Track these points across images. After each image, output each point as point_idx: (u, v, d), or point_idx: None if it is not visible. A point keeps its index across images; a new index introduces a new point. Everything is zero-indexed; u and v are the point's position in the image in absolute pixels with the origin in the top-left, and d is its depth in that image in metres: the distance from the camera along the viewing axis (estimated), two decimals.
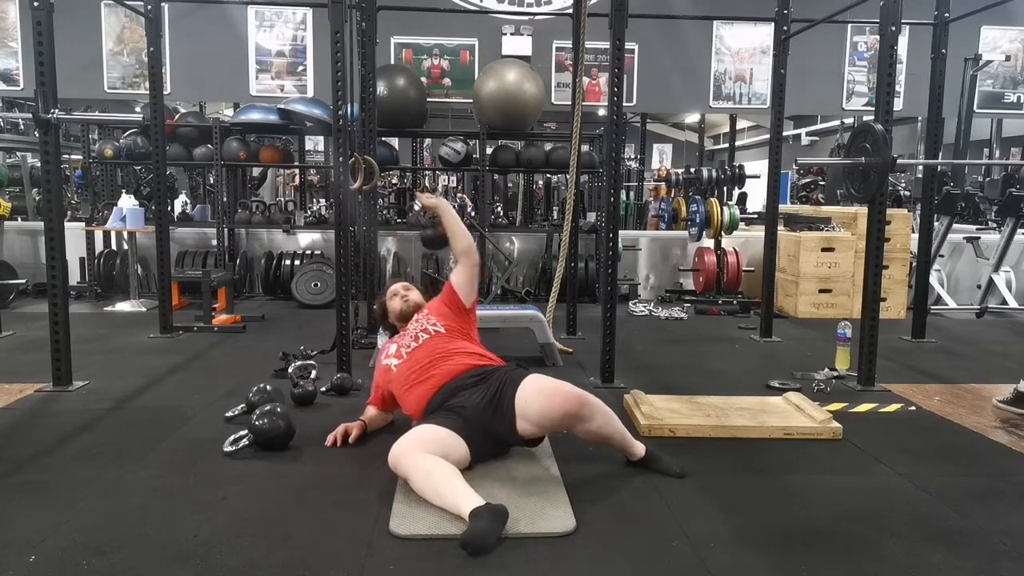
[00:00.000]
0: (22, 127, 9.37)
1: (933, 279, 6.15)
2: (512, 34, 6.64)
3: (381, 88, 5.81)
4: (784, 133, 5.14)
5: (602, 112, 8.27)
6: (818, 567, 1.90)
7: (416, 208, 3.05)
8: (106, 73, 6.56)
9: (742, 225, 6.58)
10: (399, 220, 7.25)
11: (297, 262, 6.35)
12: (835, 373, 3.83)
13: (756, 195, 7.46)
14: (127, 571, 1.81)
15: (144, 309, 5.66)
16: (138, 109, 8.21)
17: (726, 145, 12.64)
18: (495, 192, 8.63)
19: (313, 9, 6.48)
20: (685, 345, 4.90)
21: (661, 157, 16.86)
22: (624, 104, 3.83)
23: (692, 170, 7.55)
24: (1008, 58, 7.05)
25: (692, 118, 15.76)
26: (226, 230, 6.53)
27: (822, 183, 10.15)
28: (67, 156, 8.38)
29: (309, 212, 7.18)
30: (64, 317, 3.43)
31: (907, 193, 8.61)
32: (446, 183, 10.97)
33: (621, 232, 6.05)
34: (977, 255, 6.36)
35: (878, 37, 3.75)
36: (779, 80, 4.75)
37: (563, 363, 4.09)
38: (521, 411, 2.37)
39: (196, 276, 5.36)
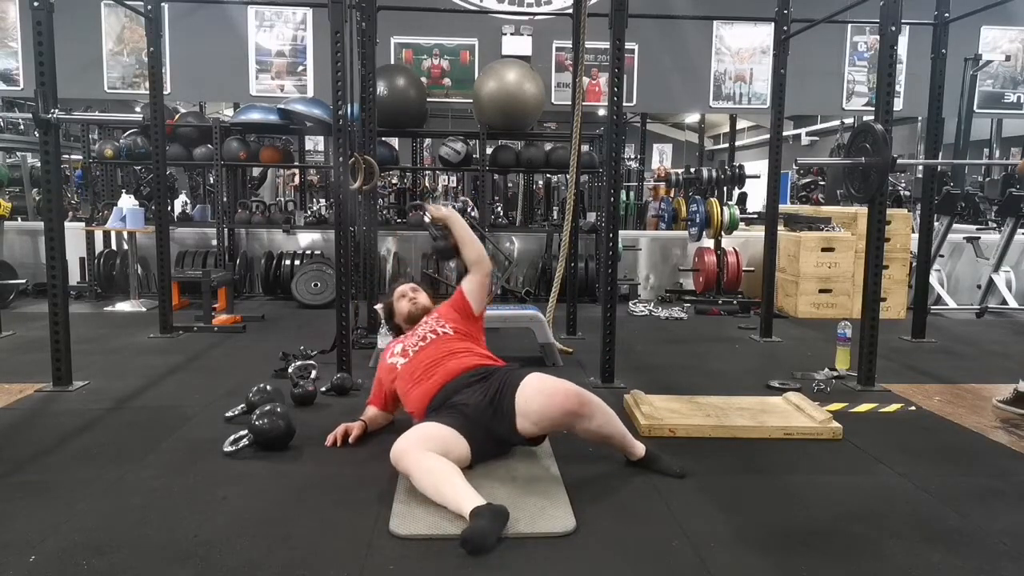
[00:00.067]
0: (22, 127, 9.38)
1: (933, 279, 6.15)
2: (512, 34, 6.64)
3: (381, 88, 5.81)
4: (784, 133, 5.14)
5: (602, 112, 8.27)
6: (818, 567, 1.90)
7: (426, 220, 3.07)
8: (106, 73, 6.56)
9: (742, 225, 6.58)
10: (399, 220, 7.26)
11: (297, 262, 6.35)
12: (835, 373, 3.83)
13: (756, 195, 7.46)
14: (127, 571, 1.82)
15: (144, 309, 5.66)
16: (138, 109, 8.21)
17: (726, 145, 12.64)
18: (495, 192, 8.64)
19: (313, 9, 6.48)
20: (685, 345, 4.90)
21: (661, 157, 16.87)
22: (624, 104, 3.83)
23: (692, 170, 7.55)
24: (1008, 58, 7.05)
25: (692, 118, 15.77)
26: (226, 230, 6.53)
27: (822, 183, 10.15)
28: (67, 156, 8.38)
29: (309, 212, 7.18)
30: (64, 317, 3.43)
31: (907, 193, 8.61)
32: (446, 183, 10.99)
33: (621, 232, 6.05)
34: (977, 255, 6.36)
35: (878, 37, 3.75)
36: (779, 80, 4.75)
37: (563, 363, 4.09)
38: (521, 409, 2.37)
39: (196, 276, 5.36)
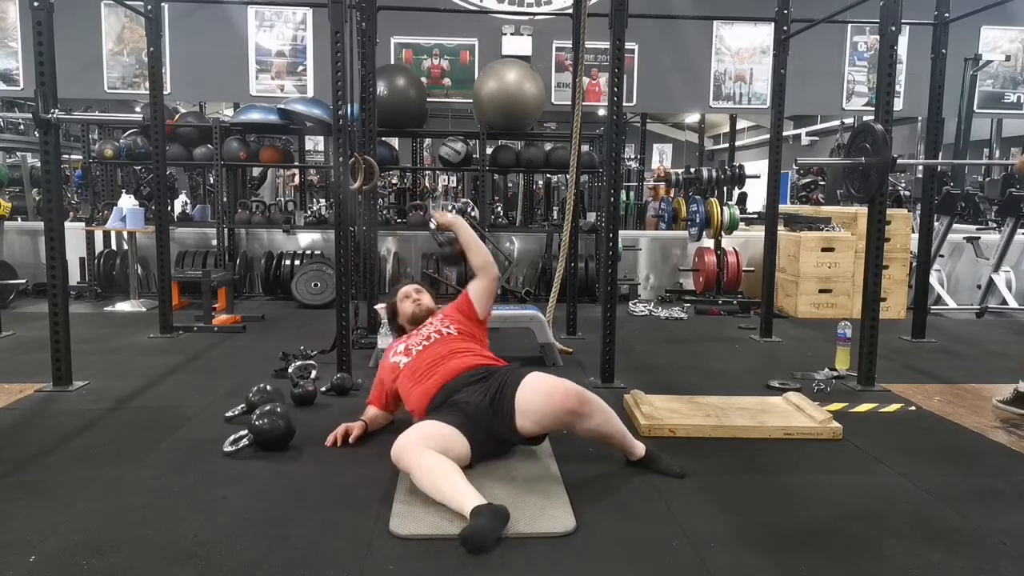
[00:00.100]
0: (22, 127, 9.38)
1: (933, 279, 6.15)
2: (512, 34, 6.64)
3: (381, 88, 5.81)
4: (784, 133, 5.14)
5: (602, 112, 8.27)
6: (818, 567, 1.90)
7: (432, 226, 3.09)
8: (106, 73, 6.56)
9: (742, 225, 6.58)
10: (399, 220, 7.26)
11: (297, 262, 6.35)
12: (835, 373, 3.83)
13: (756, 195, 7.46)
14: (127, 571, 1.82)
15: (144, 309, 5.66)
16: (138, 109, 8.21)
17: (726, 145, 12.64)
18: (495, 192, 8.64)
19: (313, 9, 6.48)
20: (685, 345, 4.90)
21: (661, 157, 16.87)
22: (624, 104, 3.83)
23: (692, 170, 7.55)
24: (1008, 58, 7.05)
25: (692, 118, 15.76)
26: (226, 230, 6.53)
27: (822, 183, 10.15)
28: (67, 156, 8.39)
29: (309, 212, 7.18)
30: (64, 317, 3.43)
31: (907, 193, 8.60)
32: (446, 183, 10.99)
33: (621, 232, 6.05)
34: (977, 255, 6.36)
35: (878, 37, 3.75)
36: (779, 80, 4.75)
37: (563, 363, 4.09)
38: (521, 408, 2.38)
39: (196, 276, 5.36)
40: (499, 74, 6.22)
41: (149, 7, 4.50)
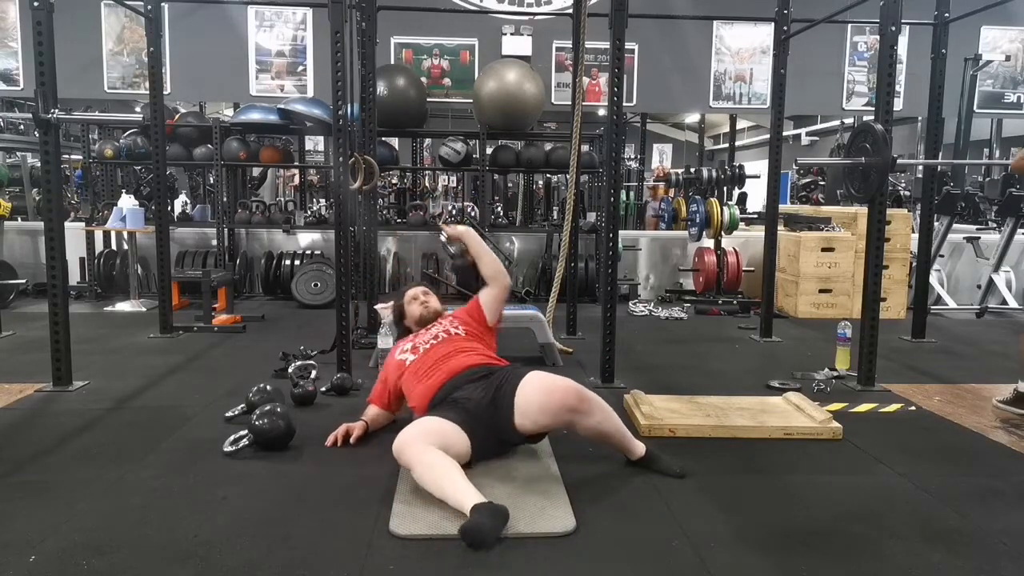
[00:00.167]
0: (22, 127, 9.38)
1: (933, 279, 6.15)
2: (512, 34, 6.64)
3: (381, 88, 5.81)
4: (784, 133, 5.14)
5: (602, 112, 8.27)
6: (818, 567, 1.90)
7: (442, 239, 3.11)
8: (106, 73, 6.56)
9: (742, 225, 6.58)
10: (399, 220, 7.26)
11: (297, 262, 6.35)
12: (835, 373, 3.83)
13: (756, 195, 7.46)
14: (127, 571, 1.82)
15: (144, 309, 5.66)
16: (138, 109, 8.21)
17: (726, 145, 12.63)
18: (495, 192, 8.64)
19: (313, 9, 6.48)
20: (685, 345, 4.90)
21: (661, 157, 16.86)
22: (624, 104, 3.83)
23: (692, 170, 7.55)
24: (1008, 58, 7.05)
25: (692, 118, 15.76)
26: (226, 230, 6.53)
27: (822, 183, 10.15)
28: (67, 156, 8.38)
29: (309, 212, 7.18)
30: (64, 317, 3.43)
31: (907, 193, 8.60)
32: (446, 183, 10.99)
33: (621, 232, 6.05)
34: (977, 255, 6.36)
35: (878, 37, 3.75)
36: (779, 80, 4.75)
37: (563, 363, 4.09)
38: (521, 405, 2.39)
39: (196, 276, 5.36)
40: (499, 74, 6.22)
41: (149, 7, 4.50)
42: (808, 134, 14.82)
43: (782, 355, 4.51)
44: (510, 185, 9.24)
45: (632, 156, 11.77)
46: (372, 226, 4.94)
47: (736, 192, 7.50)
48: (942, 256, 6.51)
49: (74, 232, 6.06)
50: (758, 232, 5.99)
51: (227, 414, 3.01)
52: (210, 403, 3.24)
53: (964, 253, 6.69)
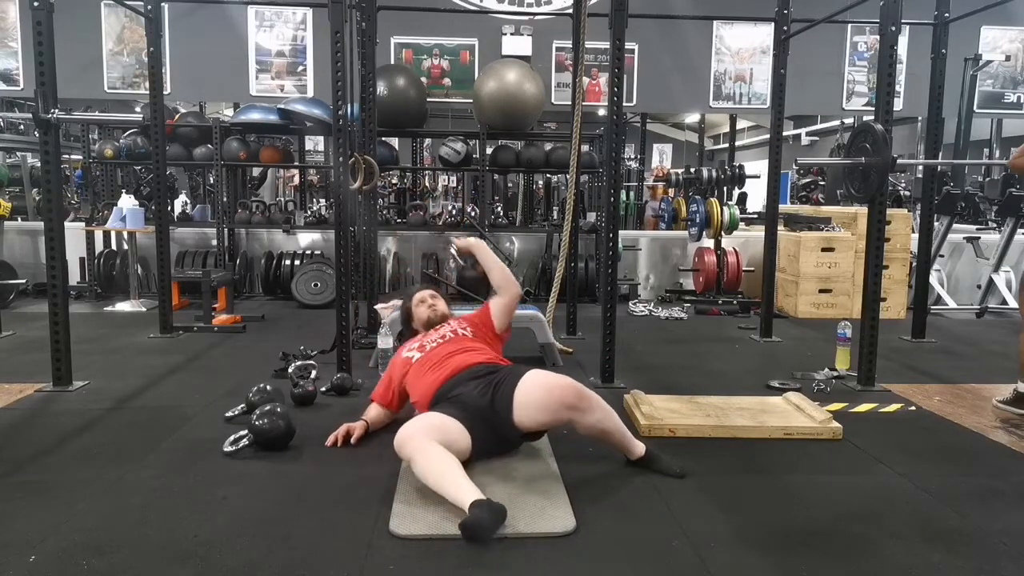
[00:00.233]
0: (22, 127, 9.38)
1: (933, 279, 6.15)
2: (512, 34, 6.64)
3: (381, 88, 5.81)
4: (784, 133, 5.14)
5: (602, 112, 8.27)
6: (818, 567, 1.90)
7: (452, 251, 3.15)
8: (106, 73, 6.56)
9: (742, 225, 6.58)
10: (399, 220, 7.26)
11: (297, 262, 6.35)
12: (835, 373, 3.83)
13: (756, 195, 7.46)
14: (127, 571, 1.82)
15: (144, 309, 5.66)
16: (138, 109, 8.21)
17: (726, 145, 12.63)
18: (495, 192, 8.64)
19: (313, 9, 6.48)
20: (685, 345, 4.90)
21: (661, 157, 16.87)
22: (624, 104, 3.83)
23: (692, 170, 7.55)
24: (1008, 58, 7.05)
25: (692, 118, 15.76)
26: (226, 230, 6.53)
27: (822, 183, 10.15)
28: (67, 156, 8.38)
29: (309, 212, 7.18)
30: (64, 317, 3.43)
31: (907, 193, 8.60)
32: (446, 183, 10.99)
33: (621, 232, 6.05)
34: (977, 255, 6.36)
35: (878, 37, 3.75)
36: (779, 80, 4.75)
37: (563, 363, 4.09)
38: (520, 402, 2.40)
39: (196, 276, 5.36)
40: (499, 74, 6.22)
41: (149, 7, 4.50)
42: (808, 134, 14.82)
43: (782, 355, 4.51)
44: (510, 185, 9.24)
45: (632, 156, 11.77)
46: (372, 226, 4.94)
47: (736, 192, 7.50)
48: (942, 256, 6.51)
49: (74, 232, 6.06)
50: (758, 232, 5.99)
51: (227, 414, 3.01)
52: (210, 403, 3.24)
53: (964, 253, 6.69)
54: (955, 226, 6.36)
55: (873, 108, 3.94)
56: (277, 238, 6.76)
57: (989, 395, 3.43)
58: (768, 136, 5.60)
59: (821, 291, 5.89)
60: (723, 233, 6.36)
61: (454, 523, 2.01)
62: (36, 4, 3.31)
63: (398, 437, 2.31)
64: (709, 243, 6.56)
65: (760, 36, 6.78)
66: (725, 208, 6.32)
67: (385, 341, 3.72)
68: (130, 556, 1.88)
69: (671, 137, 18.57)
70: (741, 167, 7.06)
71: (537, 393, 2.39)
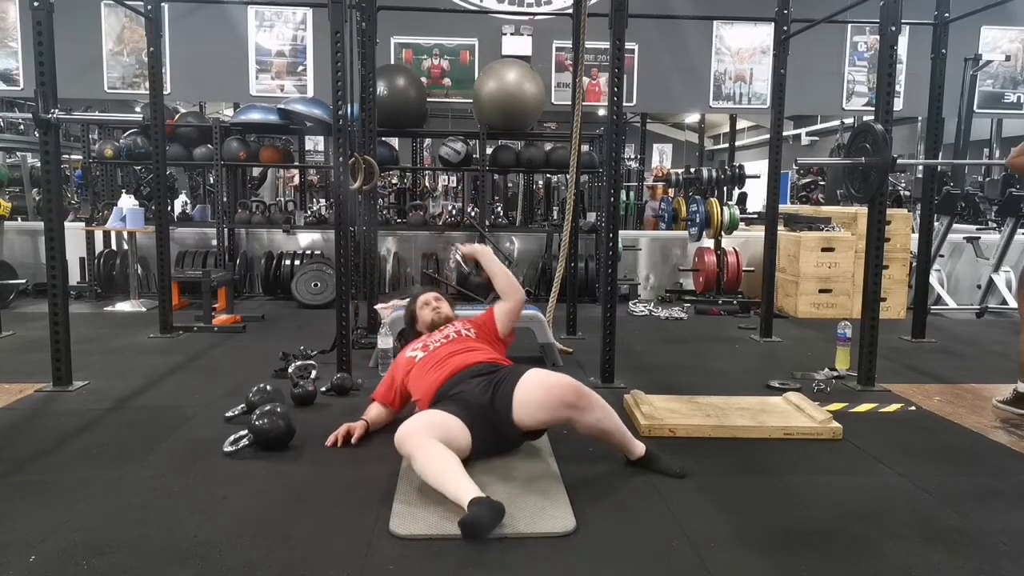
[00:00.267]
0: (22, 127, 9.38)
1: (933, 279, 6.15)
2: (512, 34, 6.64)
3: (381, 88, 5.81)
4: (784, 133, 5.14)
5: (602, 112, 8.27)
6: (818, 567, 1.90)
7: (457, 258, 3.19)
8: (106, 73, 6.56)
9: (742, 225, 6.58)
10: (399, 220, 7.26)
11: (297, 262, 6.35)
12: (835, 373, 3.83)
13: (756, 195, 7.46)
14: (127, 571, 1.82)
15: (144, 309, 5.66)
16: (138, 109, 8.21)
17: (726, 145, 12.63)
18: (495, 192, 8.64)
19: (313, 9, 6.48)
20: (685, 345, 4.90)
21: (661, 157, 16.87)
22: (624, 104, 3.83)
23: (692, 170, 7.55)
24: (1008, 58, 7.05)
25: (692, 118, 15.76)
26: (226, 230, 6.53)
27: (822, 183, 10.15)
28: (67, 156, 8.38)
29: (309, 212, 7.18)
30: (64, 317, 3.43)
31: (907, 193, 8.60)
32: (446, 183, 10.99)
33: (621, 232, 6.06)
34: (977, 255, 6.36)
35: (878, 37, 3.75)
36: (779, 80, 4.75)
37: (563, 363, 4.09)
38: (520, 400, 2.40)
39: (196, 276, 5.36)
40: (499, 74, 6.22)
41: (149, 7, 4.50)
42: (808, 134, 14.82)
43: (782, 355, 4.51)
44: (510, 185, 9.24)
45: (632, 156, 11.77)
46: (372, 226, 4.94)
47: (736, 192, 7.50)
48: (942, 256, 6.51)
49: (74, 232, 6.06)
50: (758, 232, 5.99)
51: (227, 414, 3.01)
52: (210, 403, 3.24)
53: (964, 253, 6.69)
54: (955, 226, 6.36)
55: (873, 108, 3.94)
56: (277, 238, 6.76)
57: (989, 395, 3.43)
58: (768, 136, 5.60)
59: (821, 291, 5.89)
60: (723, 233, 6.36)
61: (454, 523, 2.01)
62: (36, 4, 3.31)
63: (398, 434, 2.32)
64: (709, 243, 6.56)
65: (760, 36, 6.78)
66: (725, 208, 6.32)
67: (385, 341, 3.72)
68: (130, 556, 1.88)
69: (671, 137, 18.57)
70: (741, 167, 7.06)
71: (537, 392, 2.40)
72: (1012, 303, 6.15)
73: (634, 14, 3.65)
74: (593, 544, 1.99)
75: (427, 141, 9.47)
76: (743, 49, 6.87)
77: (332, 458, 2.61)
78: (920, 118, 9.79)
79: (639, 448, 2.51)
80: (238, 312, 5.50)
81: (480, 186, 7.21)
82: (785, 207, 7.61)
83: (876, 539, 2.06)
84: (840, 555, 1.97)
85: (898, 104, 6.54)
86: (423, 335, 3.03)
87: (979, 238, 6.35)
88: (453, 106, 8.01)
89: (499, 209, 7.89)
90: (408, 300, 3.30)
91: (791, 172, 11.62)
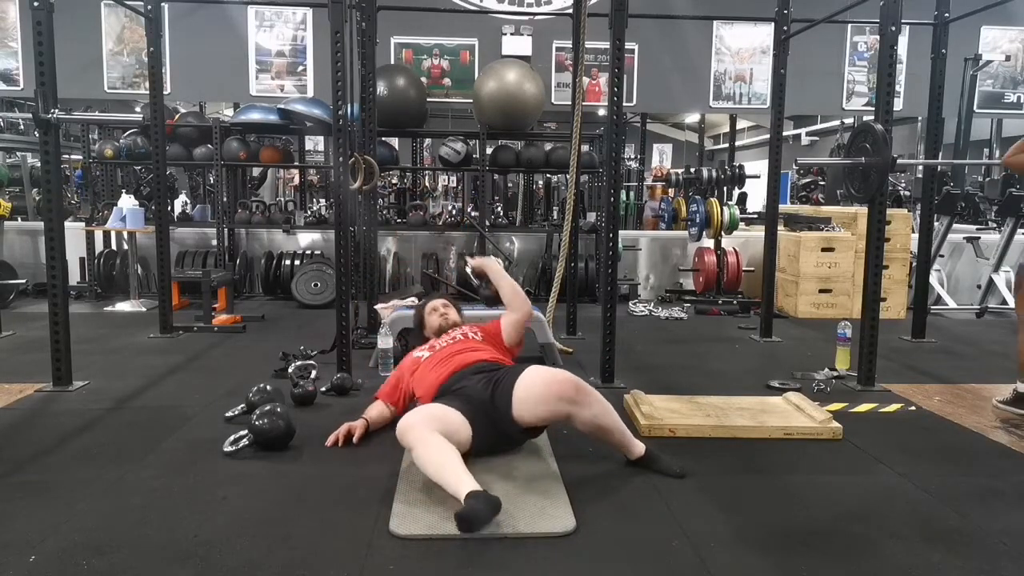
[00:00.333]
0: (22, 127, 9.37)
1: (933, 279, 6.15)
2: (512, 34, 6.64)
3: (381, 88, 5.81)
4: (784, 133, 5.14)
5: (602, 112, 8.27)
6: (818, 567, 1.90)
7: (467, 271, 3.25)
8: (106, 73, 6.56)
9: (742, 225, 6.58)
10: (399, 220, 7.26)
11: (297, 262, 6.35)
12: (835, 373, 3.83)
13: (756, 195, 7.46)
14: (127, 571, 1.82)
15: (144, 309, 5.66)
16: (138, 109, 8.21)
17: (726, 145, 12.63)
18: (495, 192, 8.64)
19: (313, 9, 6.48)
20: (685, 345, 4.90)
21: (661, 157, 16.87)
22: (624, 104, 3.83)
23: (692, 170, 7.55)
24: (1008, 58, 7.05)
25: (692, 118, 15.76)
26: (226, 230, 6.53)
27: (822, 183, 10.15)
28: (67, 156, 8.38)
29: (309, 212, 7.18)
30: (64, 317, 3.43)
31: (907, 193, 8.60)
32: (446, 183, 10.99)
33: (621, 232, 6.05)
34: (977, 255, 6.36)
35: (878, 37, 3.75)
36: (779, 80, 4.75)
37: (563, 363, 4.08)
38: (519, 396, 2.43)
39: (196, 276, 5.36)
40: (499, 74, 6.22)
41: (149, 7, 4.50)
42: (808, 134, 14.82)
43: (782, 355, 4.50)
44: (510, 185, 9.24)
45: (632, 156, 11.77)
46: (372, 226, 4.94)
47: (736, 192, 7.50)
48: (942, 256, 6.51)
49: (74, 232, 6.06)
50: (758, 232, 5.99)
51: (227, 414, 3.01)
52: (210, 403, 3.24)
53: (964, 253, 6.69)
54: (955, 226, 6.36)
55: (873, 108, 3.94)
56: (277, 238, 6.76)
57: (989, 395, 3.42)
58: (768, 136, 5.60)
59: (821, 291, 5.89)
60: (723, 233, 6.35)
61: (454, 523, 2.01)
62: (36, 4, 3.31)
63: (400, 425, 2.35)
64: (709, 243, 6.56)
65: (760, 36, 6.78)
66: (725, 208, 6.32)
67: (385, 341, 3.72)
68: (130, 556, 1.88)
69: (671, 137, 18.57)
70: (741, 167, 7.05)
71: (536, 387, 2.42)
72: (1012, 303, 6.15)
73: (634, 14, 3.65)
74: (593, 544, 1.99)
75: (427, 141, 9.47)
76: (743, 49, 6.87)
77: (332, 458, 2.61)
78: (920, 118, 9.79)
79: (639, 448, 2.51)
80: (238, 312, 5.49)
81: (480, 186, 7.21)
82: (785, 207, 7.61)
83: (876, 539, 2.06)
84: (840, 555, 1.97)
85: (898, 104, 6.54)
86: (430, 340, 3.09)
87: (979, 238, 6.34)
88: (453, 106, 8.01)
89: (499, 209, 7.89)
90: (418, 305, 3.38)
91: (791, 172, 11.62)
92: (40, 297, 5.91)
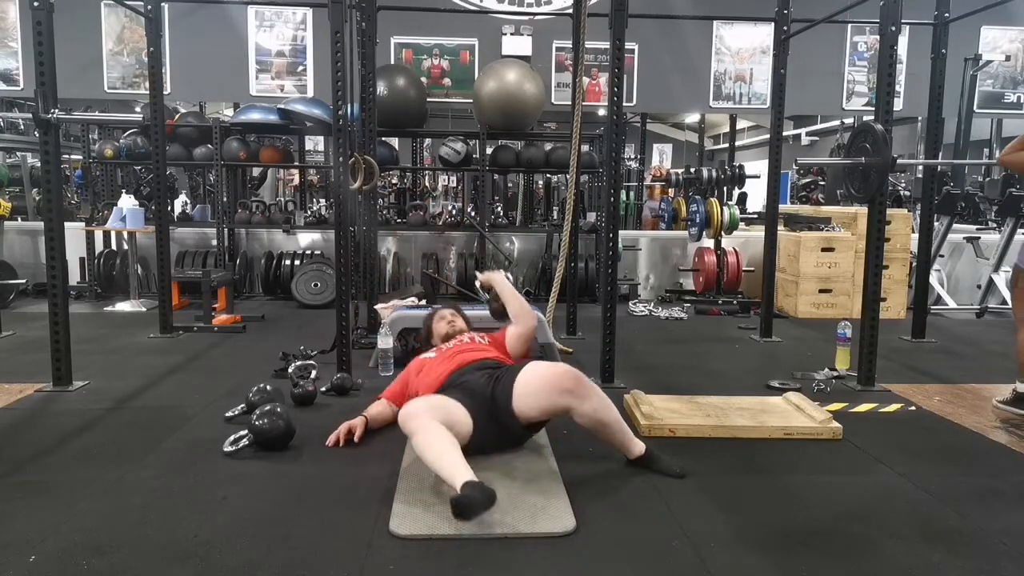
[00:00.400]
0: (22, 127, 9.37)
1: (933, 279, 6.15)
2: (512, 34, 6.64)
3: (381, 88, 5.81)
4: (784, 133, 5.14)
5: (602, 112, 8.27)
6: (818, 567, 1.90)
7: (477, 285, 3.31)
8: (106, 73, 6.56)
9: (742, 225, 6.58)
10: (399, 220, 7.26)
11: (297, 262, 6.35)
12: (835, 373, 3.83)
13: (756, 195, 7.46)
14: (127, 571, 1.82)
15: (144, 309, 5.66)
16: (138, 109, 8.21)
17: (726, 145, 12.63)
18: (495, 192, 8.64)
19: (313, 9, 6.48)
20: (685, 345, 4.90)
21: (661, 157, 16.86)
22: (624, 104, 3.83)
23: (692, 170, 7.55)
24: (1008, 58, 7.05)
25: (692, 118, 15.76)
26: (226, 230, 6.53)
27: (822, 183, 10.15)
28: (67, 156, 8.38)
29: (309, 212, 7.18)
30: (64, 317, 3.43)
31: (907, 193, 8.60)
32: (446, 183, 10.99)
33: (621, 232, 6.05)
34: (977, 255, 6.36)
35: (878, 37, 3.75)
36: (779, 80, 4.75)
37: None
38: (520, 392, 2.45)
39: (196, 276, 5.36)
40: (499, 74, 6.22)
41: (149, 7, 4.50)
42: (808, 134, 14.82)
43: (782, 355, 4.50)
44: (510, 185, 9.24)
45: (632, 156, 11.77)
46: (372, 226, 4.94)
47: (736, 192, 7.50)
48: (942, 256, 6.51)
49: (74, 232, 6.06)
50: (758, 232, 5.99)
51: (227, 414, 3.01)
52: (210, 403, 3.24)
53: (964, 253, 6.69)
54: (955, 226, 6.36)
55: (873, 108, 3.94)
56: (277, 238, 6.76)
57: (989, 395, 3.43)
58: (768, 136, 5.60)
59: (821, 291, 5.89)
60: (723, 233, 6.36)
61: (454, 523, 2.01)
62: (36, 4, 3.31)
63: (403, 412, 2.37)
64: (709, 243, 6.56)
65: (760, 36, 6.78)
66: (725, 208, 6.32)
67: (385, 341, 3.72)
68: (130, 556, 1.88)
69: (671, 137, 18.57)
70: (741, 167, 7.06)
71: (536, 380, 2.45)
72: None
73: (634, 14, 3.65)
74: (593, 544, 1.99)
75: (427, 141, 9.47)
76: (743, 49, 6.87)
77: (332, 458, 2.61)
78: (920, 118, 9.79)
79: (639, 447, 2.51)
80: (238, 312, 5.49)
81: (480, 186, 7.21)
82: (785, 207, 7.61)
83: (876, 539, 2.06)
84: (840, 555, 1.97)
85: (898, 104, 6.54)
86: (437, 346, 3.12)
87: (979, 238, 6.35)
88: (453, 106, 8.01)
89: (499, 209, 7.89)
90: (426, 315, 3.43)
91: (791, 172, 11.62)
92: (40, 297, 5.91)
